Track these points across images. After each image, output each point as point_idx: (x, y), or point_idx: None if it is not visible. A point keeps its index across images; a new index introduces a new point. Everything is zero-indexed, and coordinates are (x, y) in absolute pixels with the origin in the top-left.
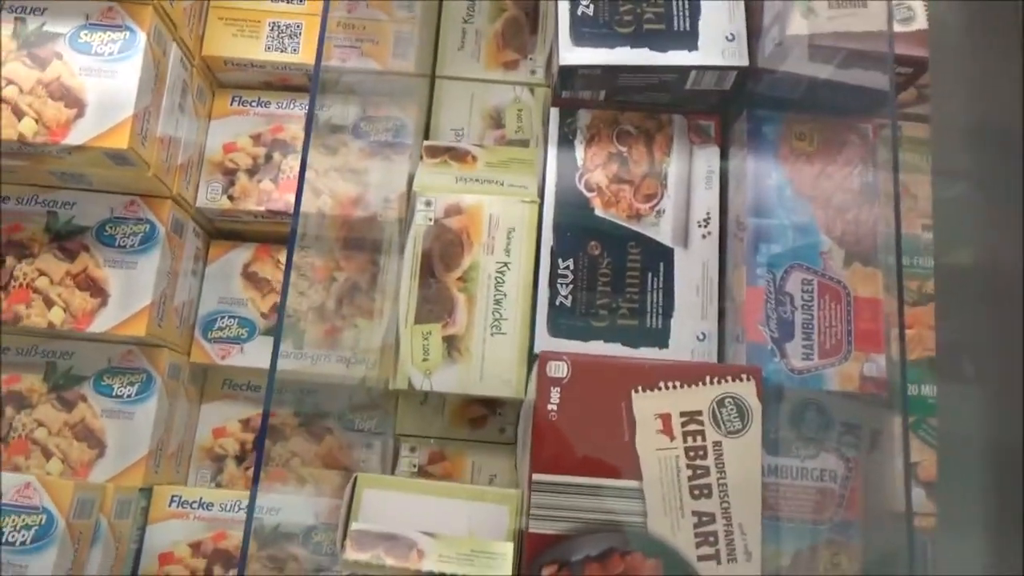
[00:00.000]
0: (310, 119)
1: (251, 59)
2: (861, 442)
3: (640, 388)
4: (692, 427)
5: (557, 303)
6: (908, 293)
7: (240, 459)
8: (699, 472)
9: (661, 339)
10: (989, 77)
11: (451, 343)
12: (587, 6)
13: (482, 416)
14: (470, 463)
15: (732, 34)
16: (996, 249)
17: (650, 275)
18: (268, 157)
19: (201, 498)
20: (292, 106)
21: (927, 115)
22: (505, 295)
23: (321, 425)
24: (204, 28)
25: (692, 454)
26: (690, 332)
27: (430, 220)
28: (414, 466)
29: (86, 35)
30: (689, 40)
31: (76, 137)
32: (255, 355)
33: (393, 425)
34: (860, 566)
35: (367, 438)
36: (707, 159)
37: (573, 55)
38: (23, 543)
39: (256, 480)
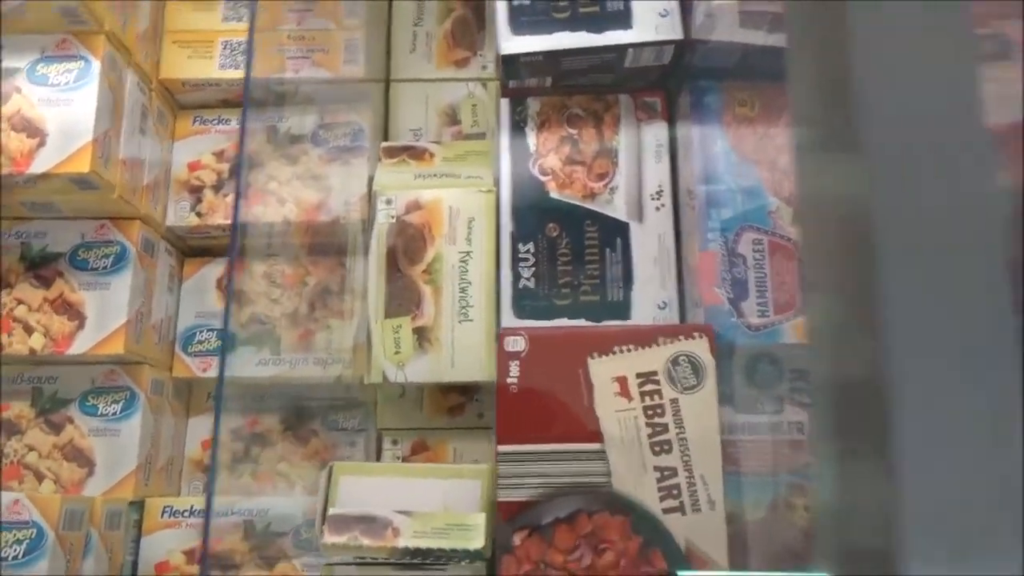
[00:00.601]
0: (243, 132)
1: (207, 78)
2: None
3: (596, 354)
4: (648, 387)
5: (520, 286)
6: None
7: (231, 469)
8: (658, 429)
9: (623, 311)
10: (833, 29)
11: (421, 334)
12: None
13: (460, 404)
14: (452, 450)
15: (665, 10)
16: (848, 194)
17: (608, 251)
18: (232, 172)
19: (192, 506)
20: (252, 120)
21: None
22: (470, 283)
23: (307, 428)
24: (160, 52)
25: (650, 413)
26: (651, 302)
27: (392, 217)
28: (397, 458)
29: (43, 68)
30: (624, 19)
31: (39, 166)
32: (236, 366)
33: (375, 421)
34: None
35: (351, 436)
36: (655, 134)
37: (513, 44)
38: (15, 557)
39: (210, 495)
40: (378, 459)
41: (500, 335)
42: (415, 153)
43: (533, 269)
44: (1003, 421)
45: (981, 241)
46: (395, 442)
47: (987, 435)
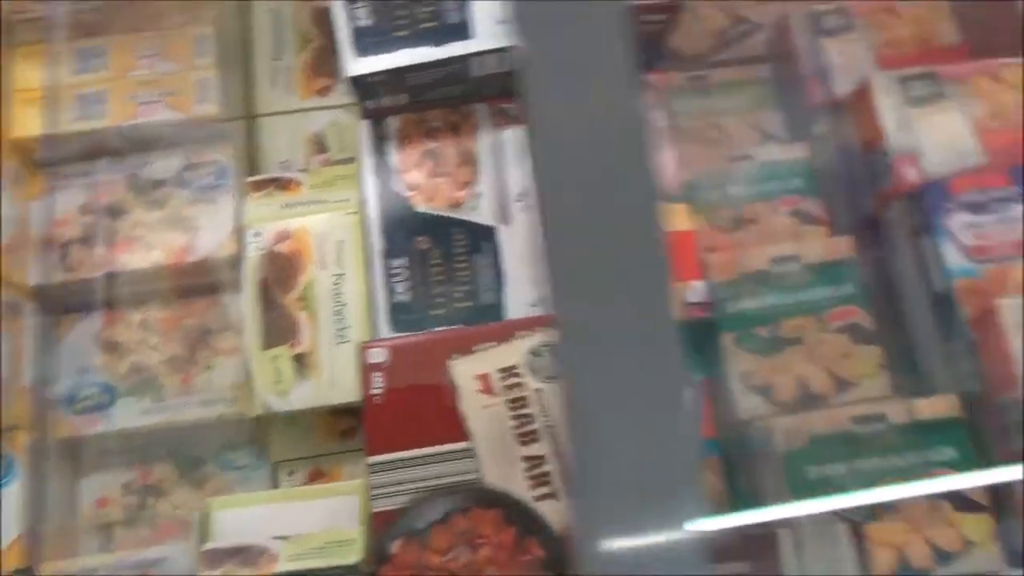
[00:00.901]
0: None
1: (60, 132)
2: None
3: (456, 355)
4: (511, 380)
5: (396, 301)
6: (721, 221)
7: (127, 525)
8: (524, 420)
9: (496, 314)
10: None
11: (301, 361)
12: (364, 19)
13: (351, 427)
14: (348, 473)
15: (504, 18)
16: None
17: (477, 256)
18: (97, 224)
19: (84, 566)
20: (113, 170)
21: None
22: (345, 304)
23: (201, 471)
24: (9, 112)
25: (515, 405)
26: (523, 302)
27: (261, 250)
28: None
29: None
30: (463, 30)
31: None
32: (121, 418)
33: (268, 454)
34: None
35: (247, 473)
36: (514, 139)
37: (357, 65)
38: None
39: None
40: None
41: (361, 348)
42: (282, 184)
43: (408, 283)
44: (668, 401)
45: (645, 229)
46: (291, 473)
47: (656, 413)
